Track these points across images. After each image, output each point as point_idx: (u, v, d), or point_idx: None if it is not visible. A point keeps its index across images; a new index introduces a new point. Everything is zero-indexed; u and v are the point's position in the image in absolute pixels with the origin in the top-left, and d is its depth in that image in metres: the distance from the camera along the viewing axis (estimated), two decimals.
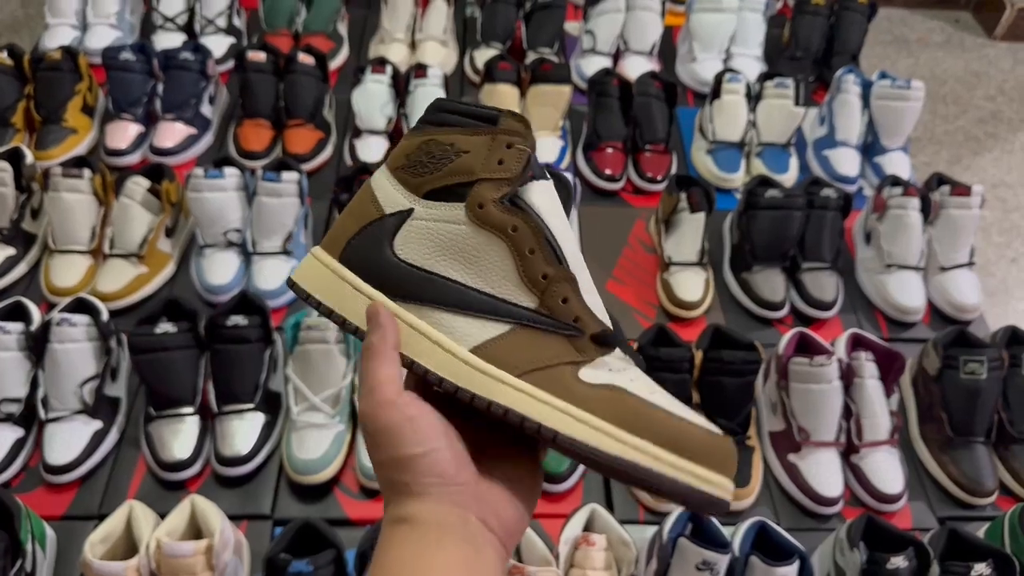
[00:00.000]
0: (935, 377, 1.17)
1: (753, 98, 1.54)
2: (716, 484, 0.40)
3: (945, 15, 2.49)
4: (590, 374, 0.44)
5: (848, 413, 1.14)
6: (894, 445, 1.14)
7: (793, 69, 1.67)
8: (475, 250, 0.45)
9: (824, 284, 1.31)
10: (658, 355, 1.10)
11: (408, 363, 0.46)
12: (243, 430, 1.09)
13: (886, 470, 1.12)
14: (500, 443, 0.46)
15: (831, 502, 1.09)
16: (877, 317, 1.34)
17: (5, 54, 1.50)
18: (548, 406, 0.42)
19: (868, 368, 1.14)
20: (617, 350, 0.46)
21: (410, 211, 0.47)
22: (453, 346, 0.45)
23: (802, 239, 1.32)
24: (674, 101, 1.54)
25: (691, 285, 1.30)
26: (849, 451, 1.14)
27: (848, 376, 1.14)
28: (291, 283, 0.50)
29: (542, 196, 0.47)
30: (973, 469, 1.13)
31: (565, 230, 0.47)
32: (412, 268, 0.46)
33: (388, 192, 0.48)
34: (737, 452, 0.42)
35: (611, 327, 0.46)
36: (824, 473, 1.11)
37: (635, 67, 1.66)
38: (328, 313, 0.48)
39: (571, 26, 1.84)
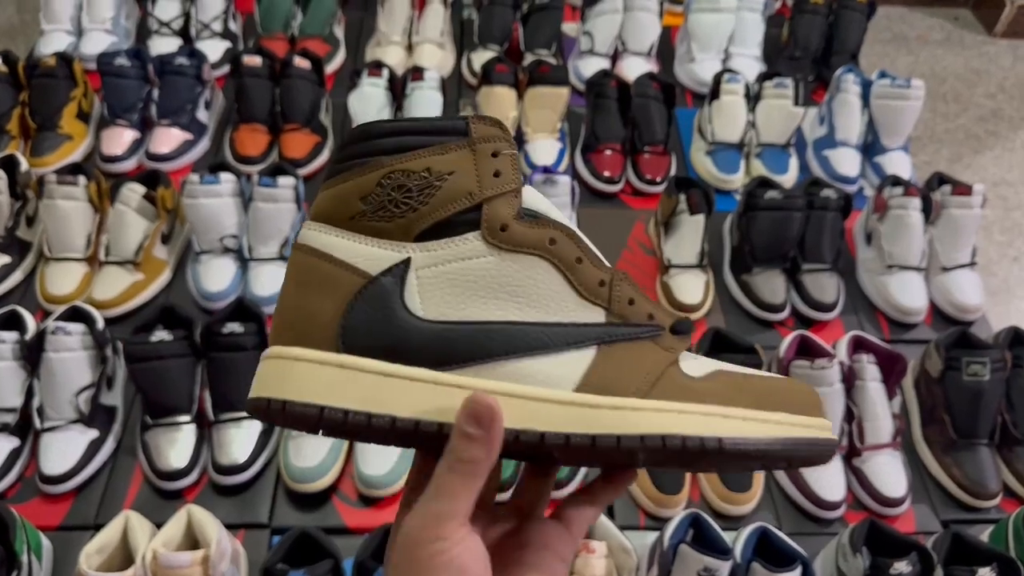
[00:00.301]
0: (937, 379, 1.16)
1: (752, 98, 1.53)
2: (827, 429, 0.41)
3: (945, 12, 2.48)
4: (690, 367, 0.41)
5: (850, 416, 1.13)
6: (897, 448, 1.13)
7: (792, 69, 1.66)
8: (516, 280, 0.39)
9: (825, 285, 1.30)
10: None
11: (512, 438, 0.37)
12: (240, 438, 1.09)
13: (889, 473, 1.11)
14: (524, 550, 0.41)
15: (833, 506, 1.08)
16: (879, 318, 1.33)
17: (0, 61, 1.49)
18: (696, 415, 0.38)
19: (870, 370, 1.13)
20: None
21: (406, 262, 0.39)
22: (554, 394, 0.39)
23: (802, 240, 1.31)
24: (673, 102, 1.53)
25: (691, 287, 1.30)
26: (851, 454, 1.13)
27: (849, 379, 1.13)
28: (269, 407, 0.38)
29: (540, 198, 0.42)
30: (976, 471, 1.12)
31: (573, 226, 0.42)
32: (451, 325, 0.39)
33: (357, 250, 0.39)
34: None
35: (681, 317, 0.42)
36: (826, 477, 1.10)
37: (633, 68, 1.65)
38: (364, 424, 0.37)
39: (569, 27, 1.83)
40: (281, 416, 0.38)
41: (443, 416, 0.37)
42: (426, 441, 0.39)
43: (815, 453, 0.40)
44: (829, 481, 1.10)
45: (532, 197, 0.41)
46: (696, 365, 0.41)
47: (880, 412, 1.12)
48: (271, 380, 0.39)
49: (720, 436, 0.38)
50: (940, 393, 1.16)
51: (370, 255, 0.39)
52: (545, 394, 0.38)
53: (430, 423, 0.37)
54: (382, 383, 0.38)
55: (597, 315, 0.40)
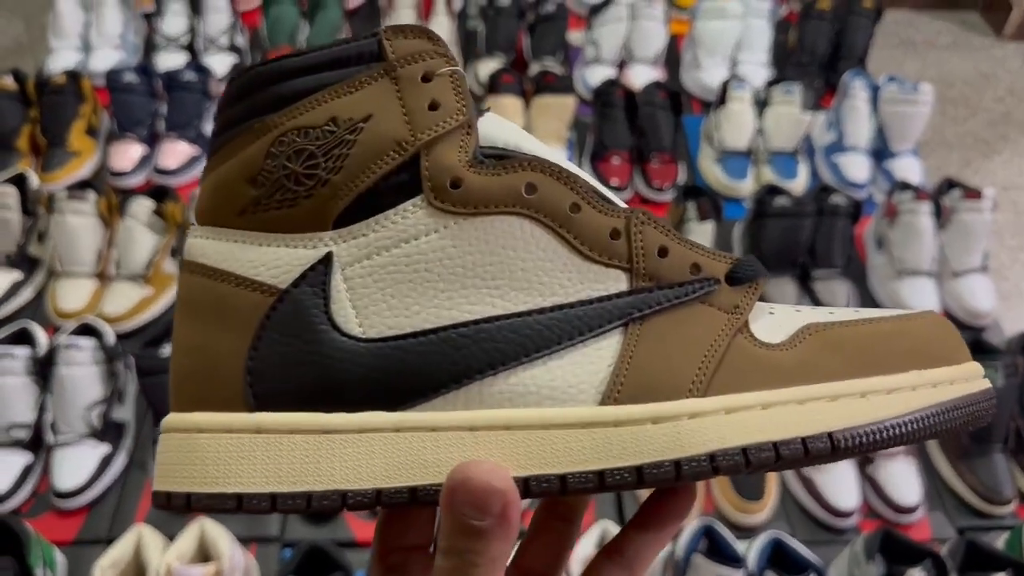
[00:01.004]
0: None
1: (760, 105, 1.53)
2: (977, 375, 0.30)
3: (952, 16, 2.47)
4: (766, 328, 0.30)
5: None
6: (911, 455, 1.12)
7: (800, 75, 1.65)
8: (486, 256, 0.28)
9: (836, 291, 1.30)
10: None
11: (520, 487, 0.27)
12: None
13: (903, 480, 1.10)
14: None
15: (847, 514, 1.08)
16: None
17: (10, 79, 1.50)
18: (789, 407, 0.28)
19: None
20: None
21: (326, 260, 0.28)
22: (573, 414, 0.28)
23: (812, 246, 1.30)
24: (680, 110, 1.53)
25: None
26: (864, 461, 1.12)
27: None
28: (170, 502, 0.28)
29: (503, 127, 0.30)
30: (991, 477, 1.11)
31: (562, 158, 0.30)
32: (402, 341, 0.27)
33: (255, 256, 0.28)
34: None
35: (737, 257, 0.31)
36: (840, 485, 1.09)
37: (640, 76, 1.65)
38: (304, 506, 0.27)
39: (574, 36, 1.83)
40: (189, 511, 0.27)
41: (416, 476, 0.27)
42: (400, 507, 0.28)
43: (971, 415, 0.30)
44: (843, 489, 1.09)
45: (492, 128, 0.30)
46: (773, 323, 0.30)
47: None
48: (171, 464, 0.28)
49: (830, 430, 0.27)
50: None
51: (274, 260, 0.28)
52: (559, 417, 0.28)
53: (398, 491, 0.27)
54: (318, 446, 0.27)
55: (616, 280, 0.29)
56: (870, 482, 1.11)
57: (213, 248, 0.29)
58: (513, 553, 0.34)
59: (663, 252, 0.29)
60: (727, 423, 0.27)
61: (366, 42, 0.28)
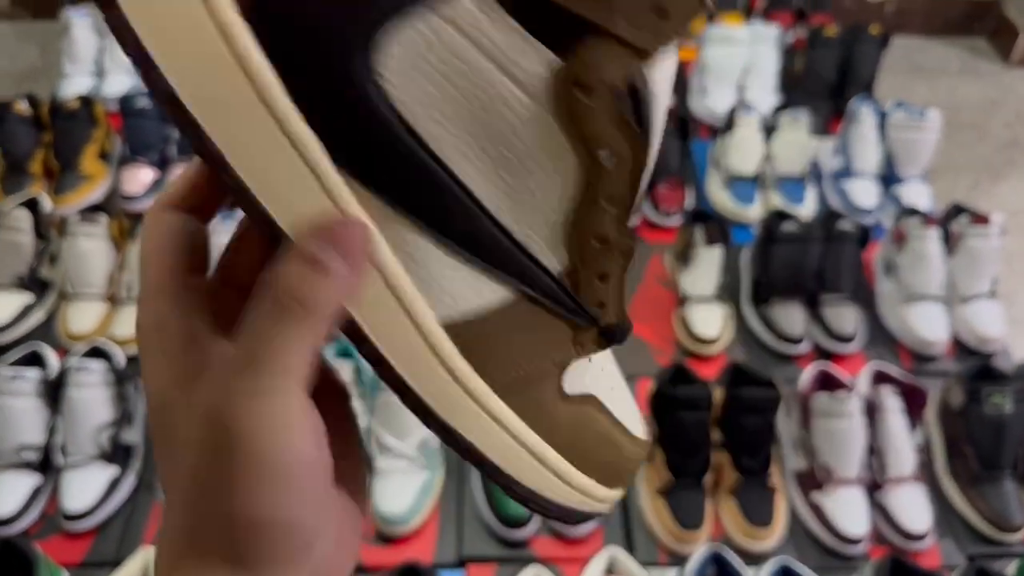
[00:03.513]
0: (959, 411, 1.15)
1: (767, 130, 1.53)
2: (609, 502, 0.33)
3: (960, 42, 2.48)
4: (573, 380, 0.31)
5: (872, 449, 1.12)
6: (920, 481, 1.12)
7: (807, 101, 1.66)
8: (526, 150, 0.25)
9: (844, 316, 1.29)
10: (676, 393, 1.08)
11: (347, 325, 0.27)
12: None
13: (912, 507, 1.09)
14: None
15: (856, 541, 1.07)
16: (899, 350, 1.32)
17: (26, 104, 1.52)
18: (517, 445, 0.30)
19: (891, 402, 1.12)
20: None
21: None
22: (418, 307, 0.27)
23: (820, 272, 1.30)
24: (687, 135, 1.54)
25: (709, 320, 1.29)
26: (874, 488, 1.12)
27: (871, 411, 1.12)
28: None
29: (663, 104, 0.27)
30: (1001, 504, 1.11)
31: (649, 172, 0.28)
32: (410, 136, 0.25)
33: None
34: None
35: (625, 320, 0.32)
36: (848, 511, 1.08)
37: None
38: (198, 142, 0.24)
39: None
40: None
41: (288, 215, 0.25)
42: (257, 223, 0.26)
43: (571, 519, 0.33)
44: (852, 515, 1.08)
45: (662, 95, 0.27)
46: (584, 379, 0.31)
47: (902, 445, 1.11)
48: None
49: (517, 482, 0.30)
50: (962, 425, 1.14)
51: None
52: (412, 301, 0.27)
53: (268, 214, 0.25)
54: (254, 110, 0.23)
55: (555, 262, 0.28)
56: (879, 508, 1.10)
57: None
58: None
59: (603, 278, 0.29)
60: (488, 427, 0.29)
61: None
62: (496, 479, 0.30)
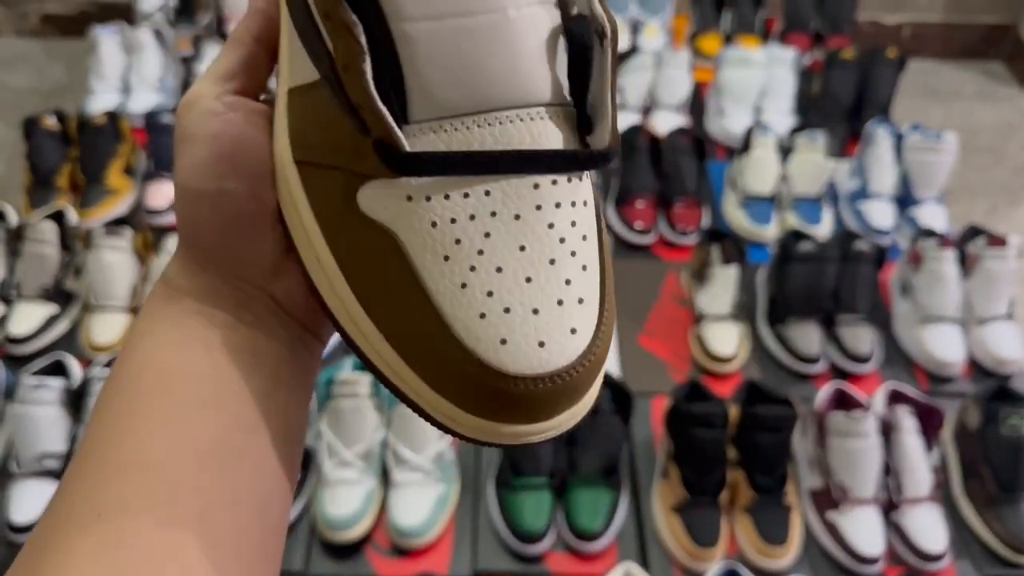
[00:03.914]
0: (976, 432, 1.15)
1: (784, 152, 1.54)
2: (458, 420, 0.27)
3: (977, 66, 2.49)
4: (372, 198, 0.27)
5: (888, 469, 1.12)
6: (936, 502, 1.11)
7: (824, 122, 1.67)
8: None
9: (860, 336, 1.30)
10: (692, 411, 1.09)
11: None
12: None
13: (928, 528, 1.09)
14: None
15: (871, 561, 1.07)
16: (916, 371, 1.32)
17: (54, 119, 1.55)
18: (302, 230, 0.29)
19: (907, 423, 1.12)
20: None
21: None
22: (284, 71, 0.31)
23: (837, 292, 1.31)
24: (704, 155, 1.55)
25: (725, 338, 1.30)
26: (890, 508, 1.12)
27: (887, 431, 1.12)
28: None
29: None
30: (1018, 526, 1.10)
31: None
32: None
33: None
34: (527, 398, 0.26)
35: (402, 143, 0.26)
36: (864, 531, 1.08)
37: (665, 122, 1.67)
38: None
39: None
40: None
41: None
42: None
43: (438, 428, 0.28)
44: (867, 535, 1.08)
45: None
46: (393, 208, 0.27)
47: (918, 465, 1.11)
48: None
49: (307, 269, 0.30)
50: (979, 447, 1.14)
51: None
52: (283, 68, 0.31)
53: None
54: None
55: (327, 44, 0.27)
56: (895, 528, 1.10)
57: None
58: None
59: (345, 69, 0.27)
60: (280, 184, 0.31)
61: None
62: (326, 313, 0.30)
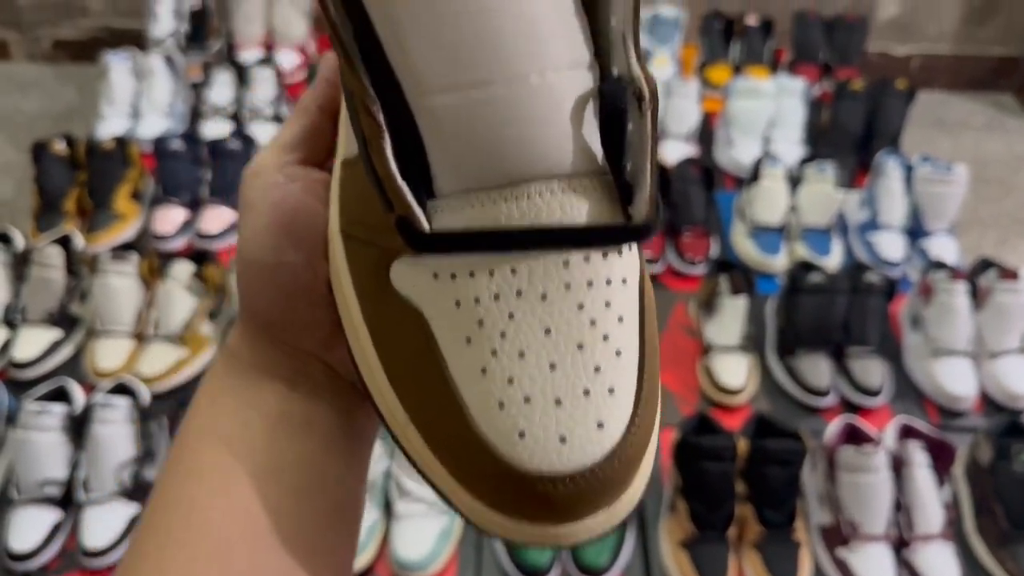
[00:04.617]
0: (988, 468, 1.13)
1: (793, 182, 1.54)
2: (482, 516, 0.25)
3: (986, 97, 2.49)
4: (403, 274, 0.26)
5: (899, 505, 1.10)
6: (948, 539, 1.10)
7: (833, 153, 1.66)
8: None
9: (870, 369, 1.28)
10: (700, 443, 1.07)
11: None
12: None
13: (940, 566, 1.07)
14: None
15: None
16: (926, 405, 1.30)
17: (63, 144, 1.55)
18: (344, 302, 0.29)
19: (918, 458, 1.10)
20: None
21: None
22: (339, 148, 0.32)
23: (847, 324, 1.30)
24: (712, 185, 1.55)
25: (734, 370, 1.28)
26: (900, 545, 1.10)
27: (898, 466, 1.10)
28: None
29: None
30: None
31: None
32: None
33: None
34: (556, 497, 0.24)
35: (420, 222, 0.25)
36: (875, 568, 1.06)
37: (674, 152, 1.67)
38: None
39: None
40: None
41: None
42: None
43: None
44: (878, 573, 1.06)
45: None
46: (422, 285, 0.26)
47: (929, 501, 1.09)
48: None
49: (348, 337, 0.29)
50: (991, 483, 1.12)
51: None
52: (340, 139, 0.32)
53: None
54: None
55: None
56: (906, 566, 1.08)
57: None
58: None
59: (366, 142, 0.26)
60: (331, 253, 0.31)
61: None
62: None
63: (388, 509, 1.11)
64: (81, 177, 1.55)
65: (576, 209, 0.25)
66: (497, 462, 0.24)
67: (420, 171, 0.25)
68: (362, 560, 1.06)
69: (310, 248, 0.31)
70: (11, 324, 1.33)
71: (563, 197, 0.25)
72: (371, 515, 1.08)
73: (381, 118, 0.25)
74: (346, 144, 0.30)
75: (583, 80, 0.25)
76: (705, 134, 1.80)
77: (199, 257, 1.35)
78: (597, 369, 0.25)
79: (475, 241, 0.25)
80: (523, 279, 0.25)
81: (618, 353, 0.25)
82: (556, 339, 0.25)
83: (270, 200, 0.31)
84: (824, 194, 1.50)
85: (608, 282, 0.25)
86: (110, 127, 1.73)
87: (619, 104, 0.25)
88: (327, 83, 0.34)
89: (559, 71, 0.25)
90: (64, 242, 1.36)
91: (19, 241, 1.41)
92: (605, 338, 0.25)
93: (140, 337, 1.31)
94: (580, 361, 0.25)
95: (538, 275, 0.25)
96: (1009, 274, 1.30)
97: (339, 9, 0.25)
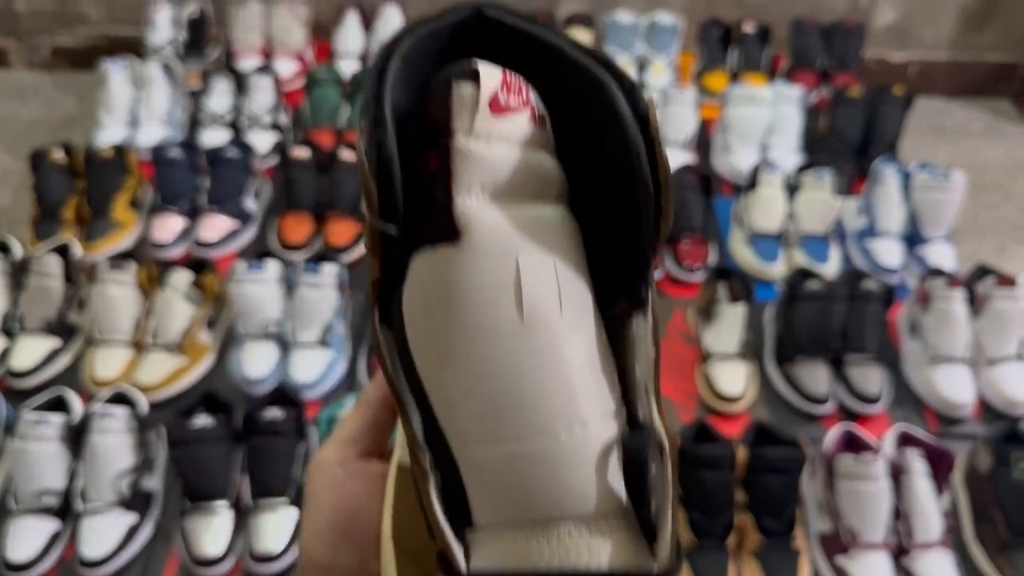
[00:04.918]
0: (987, 475, 1.13)
1: (790, 189, 1.54)
2: None
3: (983, 104, 2.49)
4: None
5: (898, 513, 1.10)
6: (947, 546, 1.09)
7: (831, 160, 1.67)
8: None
9: (869, 376, 1.28)
10: (699, 452, 1.07)
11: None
12: (276, 526, 1.08)
13: (939, 573, 1.07)
14: None
15: None
16: (925, 412, 1.30)
17: (61, 152, 1.55)
18: None
19: (917, 465, 1.10)
20: None
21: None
22: (396, 448, 0.35)
23: (845, 331, 1.30)
24: (710, 192, 1.55)
25: (733, 377, 1.28)
26: (900, 553, 1.10)
27: (897, 474, 1.10)
28: None
29: (412, 292, 0.28)
30: None
31: (443, 345, 0.27)
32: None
33: None
34: None
35: (458, 562, 0.27)
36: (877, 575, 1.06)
37: (671, 159, 1.67)
38: None
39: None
40: None
41: None
42: None
43: None
44: None
45: (409, 287, 0.28)
46: None
47: (929, 509, 1.09)
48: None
49: None
50: (990, 490, 1.12)
51: None
52: (397, 444, 0.35)
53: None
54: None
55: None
56: (905, 574, 1.08)
57: None
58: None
59: (417, 484, 0.29)
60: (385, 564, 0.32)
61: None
62: None
63: None
64: (80, 185, 1.55)
65: (601, 550, 0.27)
66: None
67: (461, 504, 0.28)
68: None
69: (365, 550, 0.34)
70: (9, 333, 1.33)
71: (590, 538, 0.27)
72: None
73: (428, 464, 0.28)
74: (403, 446, 0.33)
75: (609, 429, 0.28)
76: (703, 141, 1.80)
77: (197, 265, 1.36)
78: None
79: None
80: None
81: None
82: None
83: (332, 499, 0.35)
84: (822, 201, 1.50)
85: None
86: (108, 135, 1.73)
87: (642, 455, 0.27)
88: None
89: (587, 425, 0.27)
90: (62, 251, 1.36)
91: (17, 250, 1.41)
92: None
93: (138, 346, 1.31)
94: None
95: None
96: (1007, 281, 1.30)
97: (396, 368, 0.28)
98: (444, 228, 0.26)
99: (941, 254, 1.50)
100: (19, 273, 1.36)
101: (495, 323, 0.26)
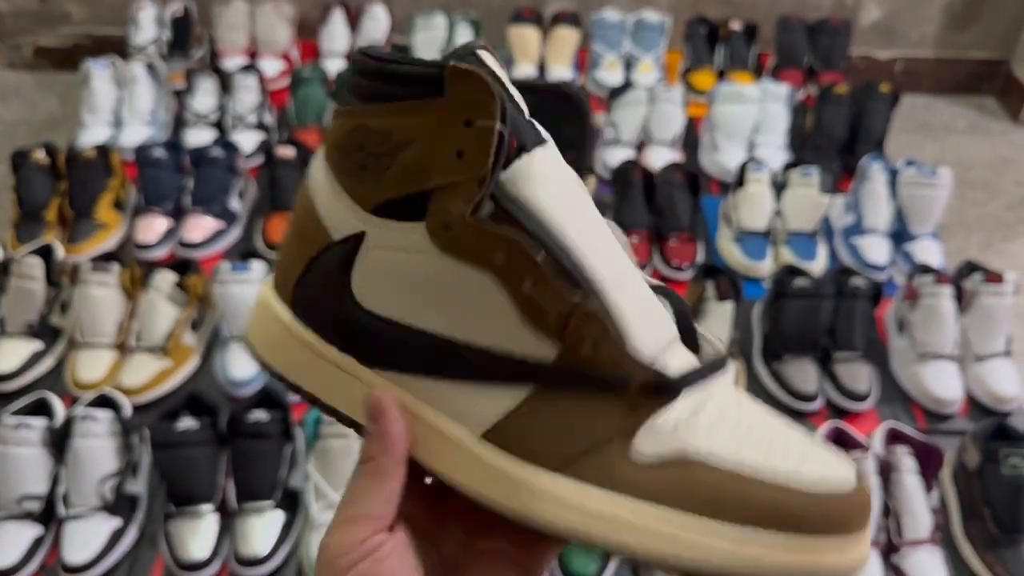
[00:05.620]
0: (976, 472, 1.13)
1: (778, 187, 1.54)
2: (844, 555, 0.31)
3: (969, 101, 2.49)
4: (648, 443, 0.32)
5: (887, 510, 1.10)
6: (936, 544, 1.09)
7: (817, 158, 1.67)
8: (454, 289, 0.32)
9: (857, 374, 1.28)
10: None
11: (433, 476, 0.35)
12: (262, 529, 1.07)
13: (929, 571, 1.07)
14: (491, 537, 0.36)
15: None
16: (913, 409, 1.30)
17: (43, 153, 1.54)
18: (600, 519, 0.31)
19: (906, 463, 1.10)
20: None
21: (361, 235, 0.33)
22: (458, 434, 0.34)
23: (833, 328, 1.30)
24: (698, 190, 1.54)
25: None
26: (889, 550, 1.09)
27: (885, 471, 1.10)
28: (255, 356, 0.38)
29: (538, 182, 0.33)
30: (1019, 568, 1.08)
31: (584, 225, 0.33)
32: (382, 322, 0.34)
33: (330, 205, 0.34)
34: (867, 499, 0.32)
35: (661, 370, 0.32)
36: (863, 574, 1.06)
37: (658, 157, 1.67)
38: (295, 390, 0.36)
39: (594, 118, 1.86)
40: (261, 365, 0.37)
41: (351, 406, 0.35)
42: (360, 432, 0.36)
43: None
44: None
45: (532, 177, 0.32)
46: (670, 438, 0.32)
47: (918, 506, 1.09)
48: (254, 317, 0.38)
49: (635, 549, 0.31)
50: (979, 487, 1.12)
51: (337, 215, 0.34)
52: (452, 432, 0.33)
53: (346, 416, 0.36)
54: (312, 359, 0.35)
55: (548, 350, 0.32)
56: (895, 571, 1.08)
57: (318, 180, 0.35)
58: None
59: (596, 344, 0.32)
60: (553, 509, 0.32)
61: (434, 70, 0.31)
62: (619, 552, 0.32)
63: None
64: (62, 186, 1.54)
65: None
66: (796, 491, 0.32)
67: None
68: None
69: None
70: None
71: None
72: None
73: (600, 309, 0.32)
74: (473, 423, 0.34)
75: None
76: (690, 139, 1.80)
77: (181, 267, 1.34)
78: None
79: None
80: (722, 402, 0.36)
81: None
82: None
83: None
84: (809, 198, 1.50)
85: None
86: (92, 135, 1.71)
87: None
88: (396, 435, 0.34)
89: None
90: (45, 252, 1.35)
91: None
92: None
93: (122, 348, 1.30)
94: None
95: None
96: (994, 277, 1.30)
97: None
98: (536, 135, 0.34)
99: (928, 251, 1.50)
100: (0, 275, 1.34)
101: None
